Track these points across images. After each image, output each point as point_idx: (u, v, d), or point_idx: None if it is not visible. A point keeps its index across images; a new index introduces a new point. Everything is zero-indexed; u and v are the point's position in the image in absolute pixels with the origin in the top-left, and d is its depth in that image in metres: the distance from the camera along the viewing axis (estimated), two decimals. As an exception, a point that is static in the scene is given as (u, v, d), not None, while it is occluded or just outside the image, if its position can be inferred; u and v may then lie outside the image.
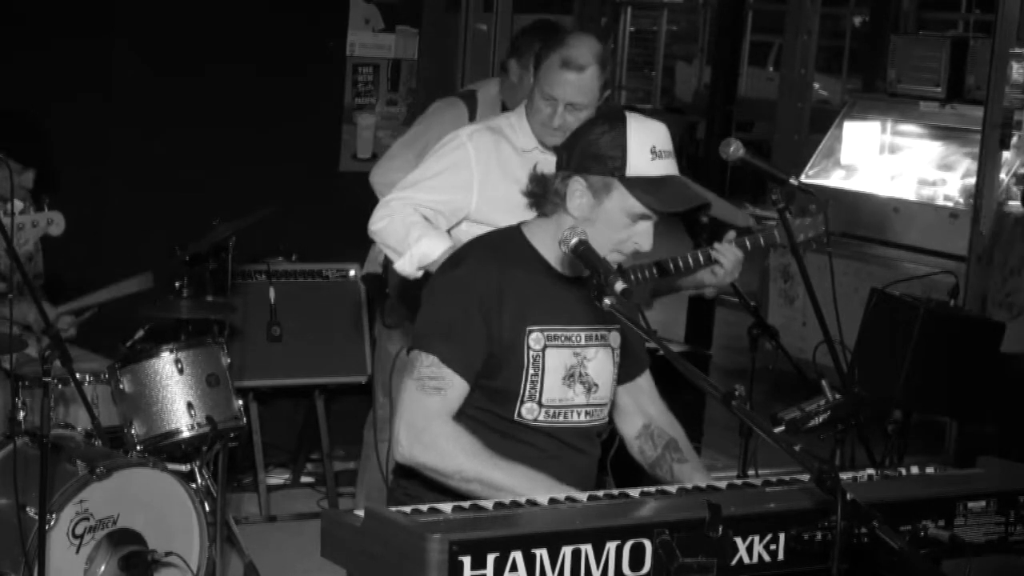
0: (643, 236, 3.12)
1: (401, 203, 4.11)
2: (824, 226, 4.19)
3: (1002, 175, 7.63)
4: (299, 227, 6.32)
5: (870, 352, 5.08)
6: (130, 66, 6.16)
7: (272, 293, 6.21)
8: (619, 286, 2.87)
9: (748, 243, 4.16)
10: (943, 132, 8.69)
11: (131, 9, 6.17)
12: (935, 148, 8.81)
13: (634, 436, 3.46)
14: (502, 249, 3.21)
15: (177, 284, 5.13)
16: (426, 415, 3.08)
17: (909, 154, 8.89)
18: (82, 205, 5.88)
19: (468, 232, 3.96)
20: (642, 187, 3.07)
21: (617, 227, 3.10)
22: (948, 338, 5.01)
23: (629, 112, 3.18)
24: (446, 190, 4.10)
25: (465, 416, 3.15)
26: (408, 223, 4.05)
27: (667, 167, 3.10)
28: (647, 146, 3.08)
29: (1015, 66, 7.75)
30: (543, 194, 3.19)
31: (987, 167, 7.29)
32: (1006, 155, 7.93)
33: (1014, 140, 8.06)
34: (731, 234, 4.18)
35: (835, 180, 8.99)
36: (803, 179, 7.82)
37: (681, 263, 4.16)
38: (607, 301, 2.89)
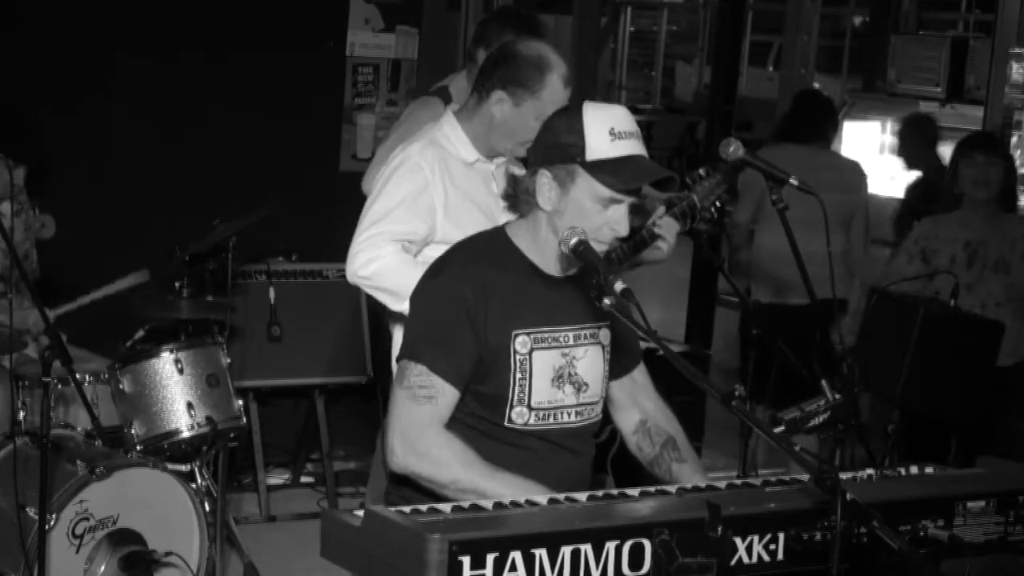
0: (618, 221, 3.08)
1: (381, 239, 3.92)
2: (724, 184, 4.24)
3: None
4: (299, 227, 6.32)
5: (870, 352, 5.07)
6: (129, 67, 6.16)
7: (272, 293, 6.21)
8: (619, 286, 2.87)
9: (678, 212, 4.21)
10: (943, 132, 8.68)
11: (130, 10, 6.17)
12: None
13: (631, 431, 3.45)
14: (485, 252, 3.20)
15: (177, 284, 5.13)
16: (419, 424, 3.07)
17: (909, 154, 8.86)
18: (81, 205, 5.89)
19: (432, 257, 3.57)
20: (604, 169, 3.05)
21: (589, 215, 3.07)
22: (948, 338, 5.00)
23: (586, 101, 3.17)
24: (415, 218, 3.94)
25: (457, 422, 3.14)
26: (411, 263, 3.85)
27: (629, 147, 3.07)
28: (605, 128, 3.06)
29: (1015, 66, 7.76)
30: (516, 194, 3.18)
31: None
32: (1006, 155, 7.92)
33: (1014, 140, 8.08)
34: (661, 209, 4.22)
35: (835, 180, 8.97)
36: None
37: (636, 243, 4.19)
38: (607, 301, 2.89)
